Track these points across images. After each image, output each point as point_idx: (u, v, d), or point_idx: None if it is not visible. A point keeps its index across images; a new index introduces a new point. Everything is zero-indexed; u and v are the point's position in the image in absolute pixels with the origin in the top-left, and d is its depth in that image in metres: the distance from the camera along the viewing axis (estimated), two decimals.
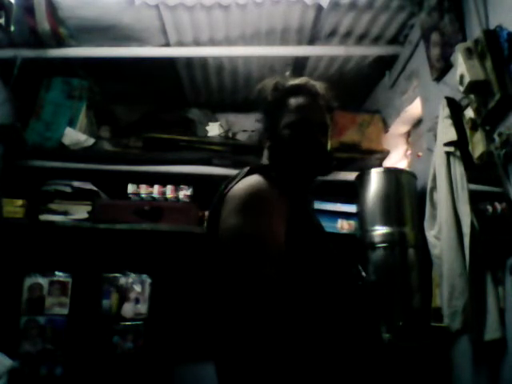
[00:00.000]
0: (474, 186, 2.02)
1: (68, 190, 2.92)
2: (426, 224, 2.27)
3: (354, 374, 1.08)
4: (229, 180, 1.23)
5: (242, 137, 3.66)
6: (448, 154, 2.09)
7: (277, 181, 1.18)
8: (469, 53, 1.87)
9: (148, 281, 2.83)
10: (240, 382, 1.04)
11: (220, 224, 1.13)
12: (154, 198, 2.97)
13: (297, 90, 1.31)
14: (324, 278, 1.14)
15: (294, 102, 1.29)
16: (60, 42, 2.96)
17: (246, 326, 1.01)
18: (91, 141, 3.08)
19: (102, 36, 2.95)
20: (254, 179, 1.16)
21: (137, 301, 2.78)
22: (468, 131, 2.05)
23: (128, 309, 2.76)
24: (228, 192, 1.16)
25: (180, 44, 3.05)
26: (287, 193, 1.18)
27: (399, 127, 3.20)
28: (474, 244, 1.91)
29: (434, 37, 2.42)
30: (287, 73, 1.41)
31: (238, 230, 1.08)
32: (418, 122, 3.00)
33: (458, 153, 2.06)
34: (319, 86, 1.33)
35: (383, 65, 3.26)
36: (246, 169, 1.22)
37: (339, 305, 1.12)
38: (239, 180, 1.18)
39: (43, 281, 2.73)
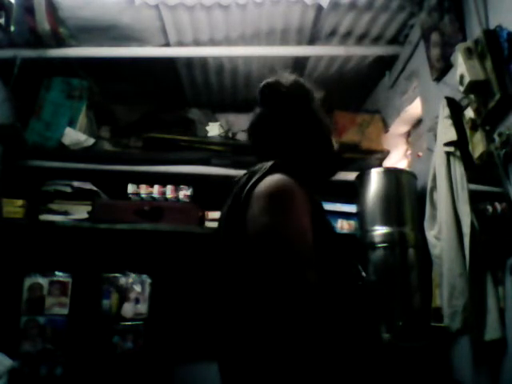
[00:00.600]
0: (473, 186, 2.02)
1: (68, 189, 2.92)
2: (426, 224, 2.26)
3: (356, 375, 1.08)
4: (247, 176, 1.19)
5: (241, 137, 3.66)
6: (448, 153, 2.09)
7: (300, 179, 1.16)
8: (469, 53, 1.87)
9: (148, 281, 2.83)
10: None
11: (249, 222, 1.10)
12: (154, 198, 2.97)
13: (315, 93, 1.34)
14: (338, 278, 1.14)
15: (317, 105, 1.32)
16: (60, 42, 2.96)
17: (290, 327, 0.99)
18: (91, 141, 3.08)
19: (102, 36, 2.95)
20: (282, 178, 1.13)
21: (137, 301, 2.78)
22: (468, 131, 2.05)
23: (128, 309, 2.76)
24: (252, 189, 1.13)
25: (180, 44, 3.06)
26: (308, 192, 1.17)
27: (399, 127, 3.20)
28: (473, 244, 1.91)
29: (434, 37, 2.42)
30: (288, 71, 1.38)
31: (275, 230, 1.06)
32: (418, 122, 3.01)
33: (458, 153, 2.06)
34: None
35: (383, 65, 3.26)
36: (268, 164, 1.17)
37: (348, 305, 1.13)
38: (262, 177, 1.14)
39: (43, 281, 2.72)
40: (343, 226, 2.95)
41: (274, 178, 1.13)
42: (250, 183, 1.14)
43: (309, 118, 1.29)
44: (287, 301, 1.00)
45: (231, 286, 1.16)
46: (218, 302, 1.22)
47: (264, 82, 1.33)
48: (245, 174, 1.21)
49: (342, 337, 1.08)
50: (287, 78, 1.33)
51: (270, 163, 1.18)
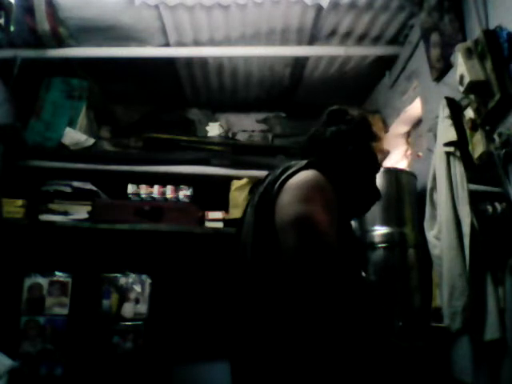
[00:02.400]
0: (473, 186, 2.01)
1: (68, 190, 2.92)
2: (426, 224, 2.26)
3: (366, 372, 1.10)
4: (280, 170, 1.24)
5: (241, 137, 3.66)
6: (448, 154, 2.09)
7: (332, 179, 1.21)
8: (469, 53, 1.87)
9: (148, 281, 2.83)
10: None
11: (278, 211, 1.13)
12: (153, 198, 2.97)
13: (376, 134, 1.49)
14: (351, 276, 1.17)
15: (373, 143, 1.45)
16: (60, 42, 2.96)
17: (325, 313, 1.03)
18: (91, 141, 3.08)
19: (102, 36, 2.95)
20: (316, 173, 1.19)
21: (137, 301, 2.78)
22: (468, 131, 2.05)
23: (128, 309, 2.76)
24: (286, 182, 1.18)
25: (180, 44, 3.05)
26: (338, 193, 1.21)
27: (399, 127, 3.20)
28: (473, 244, 1.91)
29: (434, 37, 2.42)
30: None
31: (306, 218, 1.08)
32: (418, 122, 3.01)
33: (457, 153, 2.06)
34: None
35: (383, 65, 3.26)
36: (304, 162, 1.23)
37: (358, 304, 1.14)
38: (297, 171, 1.20)
39: (43, 281, 2.72)
40: None
41: (309, 173, 1.19)
42: (284, 176, 1.19)
43: (361, 148, 1.39)
44: (315, 290, 1.02)
45: (254, 278, 1.17)
46: (237, 298, 1.23)
47: (333, 107, 1.46)
48: (277, 169, 1.26)
49: (354, 335, 1.10)
50: (355, 112, 1.47)
51: (305, 161, 1.23)
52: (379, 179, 2.57)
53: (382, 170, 2.72)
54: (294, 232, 1.07)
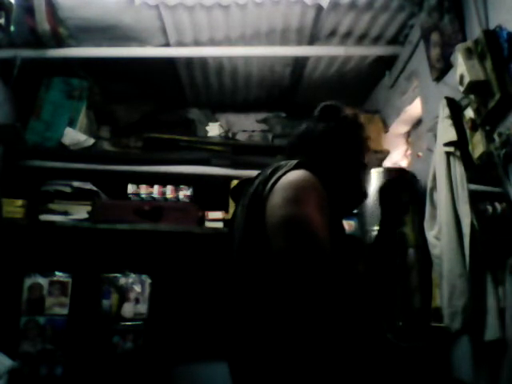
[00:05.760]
0: (474, 186, 2.01)
1: (68, 190, 2.92)
2: (426, 224, 2.26)
3: (361, 372, 1.09)
4: (270, 170, 1.22)
5: (241, 137, 3.66)
6: (448, 154, 2.09)
7: (322, 178, 1.20)
8: (469, 53, 1.88)
9: (148, 281, 2.83)
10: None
11: (269, 213, 1.12)
12: (154, 198, 2.97)
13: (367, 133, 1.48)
14: (344, 278, 1.16)
15: (365, 142, 1.45)
16: (60, 42, 2.96)
17: (313, 316, 1.02)
18: (91, 141, 3.08)
19: (102, 36, 2.95)
20: (306, 173, 1.18)
21: (137, 301, 2.78)
22: (468, 131, 2.05)
23: (128, 309, 2.76)
24: (276, 183, 1.16)
25: (180, 44, 3.05)
26: (328, 194, 1.20)
27: (399, 127, 3.20)
28: (473, 244, 1.91)
29: (434, 37, 2.42)
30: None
31: (296, 220, 1.07)
32: (418, 122, 3.01)
33: (458, 153, 2.06)
34: None
35: (383, 65, 3.26)
36: (294, 161, 1.22)
37: (353, 304, 1.14)
38: (287, 171, 1.18)
39: (43, 281, 2.72)
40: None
41: (299, 173, 1.17)
42: (275, 177, 1.17)
43: (349, 147, 1.38)
44: (308, 292, 1.01)
45: (247, 280, 1.17)
46: (231, 299, 1.22)
47: (327, 102, 1.45)
48: (267, 169, 1.24)
49: (349, 334, 1.09)
50: (349, 109, 1.47)
51: (295, 160, 1.21)
52: (379, 179, 2.61)
53: (380, 170, 2.74)
54: (285, 234, 1.06)
